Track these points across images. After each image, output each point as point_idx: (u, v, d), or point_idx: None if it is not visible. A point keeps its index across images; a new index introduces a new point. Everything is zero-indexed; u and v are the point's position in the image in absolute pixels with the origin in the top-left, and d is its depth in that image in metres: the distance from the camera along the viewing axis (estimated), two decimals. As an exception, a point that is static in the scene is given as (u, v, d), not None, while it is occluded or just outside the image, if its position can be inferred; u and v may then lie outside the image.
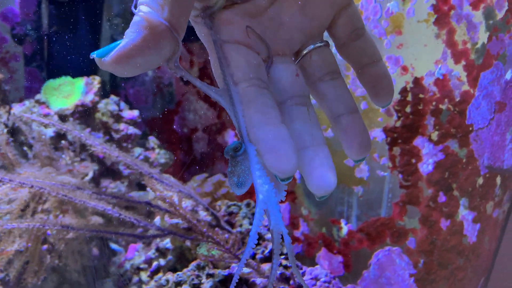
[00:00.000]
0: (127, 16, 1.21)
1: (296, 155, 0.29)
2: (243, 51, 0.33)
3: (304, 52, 0.35)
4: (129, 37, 0.28)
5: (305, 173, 0.31)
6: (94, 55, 0.28)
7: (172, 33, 0.29)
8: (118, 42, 0.28)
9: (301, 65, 0.36)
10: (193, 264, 0.83)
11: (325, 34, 0.37)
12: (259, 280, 0.81)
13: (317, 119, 0.33)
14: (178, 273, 0.81)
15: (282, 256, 0.85)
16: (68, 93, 1.16)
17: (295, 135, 0.32)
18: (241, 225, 0.95)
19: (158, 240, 1.02)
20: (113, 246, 1.15)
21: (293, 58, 0.36)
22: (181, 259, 0.99)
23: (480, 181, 0.84)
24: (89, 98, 1.18)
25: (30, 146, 1.13)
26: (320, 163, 0.31)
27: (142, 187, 1.22)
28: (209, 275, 0.80)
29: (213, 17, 0.33)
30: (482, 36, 0.77)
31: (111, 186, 1.19)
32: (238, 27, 0.33)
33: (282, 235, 0.33)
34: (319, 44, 0.35)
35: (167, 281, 0.82)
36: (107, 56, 0.28)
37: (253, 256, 0.89)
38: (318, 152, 0.31)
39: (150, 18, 0.28)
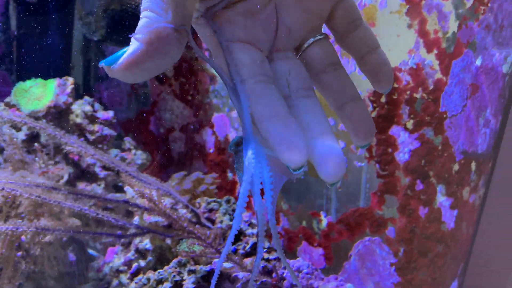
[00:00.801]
0: (99, 14, 1.19)
1: (306, 145, 0.30)
2: (246, 49, 0.34)
3: (305, 46, 0.36)
4: (136, 43, 0.28)
5: (315, 162, 0.32)
6: (102, 63, 0.29)
7: (178, 36, 0.30)
8: (125, 49, 0.29)
9: (303, 59, 0.37)
10: (174, 261, 0.82)
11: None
12: (241, 275, 0.80)
13: (322, 110, 0.35)
14: (159, 270, 0.80)
15: (264, 250, 0.85)
16: (39, 94, 1.14)
17: (303, 126, 0.33)
18: (221, 222, 0.94)
19: (137, 241, 1.00)
20: (91, 251, 1.13)
21: (294, 53, 0.37)
22: (162, 260, 0.98)
23: (456, 167, 0.86)
24: (62, 99, 1.15)
25: (1, 150, 1.10)
26: (329, 151, 0.31)
27: (119, 189, 1.20)
28: (191, 271, 0.79)
29: (217, 17, 0.34)
30: (452, 25, 0.79)
31: (87, 189, 1.16)
32: (240, 26, 0.34)
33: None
34: (318, 37, 0.37)
35: (148, 279, 0.80)
36: (115, 64, 0.28)
37: (234, 252, 0.88)
38: (326, 141, 0.32)
39: (155, 22, 0.29)
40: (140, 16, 0.29)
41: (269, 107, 0.31)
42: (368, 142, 0.36)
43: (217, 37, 0.34)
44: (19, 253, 0.94)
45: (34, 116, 1.13)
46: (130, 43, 0.29)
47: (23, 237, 0.93)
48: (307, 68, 0.36)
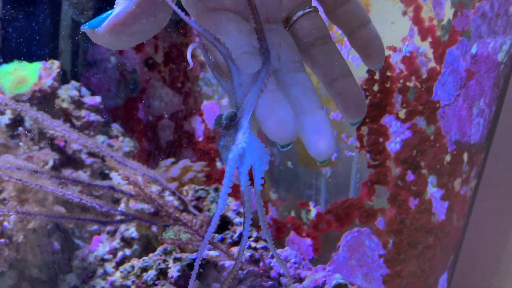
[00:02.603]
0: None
1: (294, 121, 0.29)
2: (232, 19, 0.32)
3: (294, 18, 0.35)
4: (122, 5, 0.27)
5: (305, 138, 0.31)
6: (86, 27, 0.27)
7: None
8: (110, 12, 0.27)
9: (291, 32, 0.35)
10: (159, 249, 0.80)
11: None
12: (228, 263, 0.79)
13: (312, 84, 0.33)
14: (144, 258, 0.78)
15: (251, 239, 0.83)
16: (24, 78, 1.11)
17: (292, 101, 0.31)
18: (209, 210, 0.92)
19: (122, 229, 0.98)
20: (77, 240, 1.11)
21: (283, 25, 0.35)
22: (148, 249, 0.96)
23: (448, 158, 0.85)
24: (48, 83, 1.12)
25: (-16, 135, 1.07)
26: (319, 127, 0.30)
27: (105, 176, 1.18)
28: (176, 259, 0.77)
29: None
30: (448, 13, 0.78)
31: (73, 175, 1.14)
32: None
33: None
34: (308, 10, 0.35)
35: (133, 267, 0.78)
36: (100, 27, 0.27)
37: (222, 240, 0.86)
38: (316, 116, 0.31)
39: None
40: None
41: None
42: (360, 119, 0.35)
43: (202, 4, 0.32)
44: (2, 240, 0.92)
45: (18, 99, 1.10)
46: (115, 5, 0.27)
47: (6, 223, 0.91)
48: (296, 42, 0.35)
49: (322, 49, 0.35)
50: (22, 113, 0.74)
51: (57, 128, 0.75)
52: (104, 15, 0.27)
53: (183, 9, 0.33)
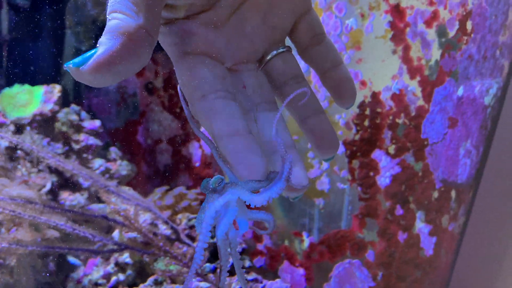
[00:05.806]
0: (88, 25, 1.19)
1: (264, 165, 0.30)
2: (208, 63, 0.33)
3: (268, 58, 0.36)
4: (107, 44, 0.27)
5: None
6: (70, 65, 0.27)
7: (150, 39, 0.29)
8: (94, 51, 0.27)
9: (265, 71, 0.36)
10: (150, 279, 0.81)
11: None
12: (217, 295, 0.79)
13: (285, 124, 0.34)
14: (134, 288, 0.79)
15: (243, 270, 0.84)
16: (25, 101, 1.13)
17: (265, 140, 0.33)
18: (201, 239, 0.93)
19: (117, 254, 0.99)
20: (72, 260, 1.12)
21: (257, 65, 0.36)
22: (141, 274, 0.97)
23: (436, 194, 0.86)
24: (49, 107, 1.14)
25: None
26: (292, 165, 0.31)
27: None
28: (166, 291, 0.78)
29: (179, 27, 0.33)
30: (435, 53, 0.80)
31: (70, 198, 1.15)
32: (202, 38, 0.33)
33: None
34: (281, 50, 0.36)
35: (123, 297, 0.79)
36: (85, 65, 0.26)
37: (213, 270, 0.87)
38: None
39: (127, 24, 0.28)
40: (108, 18, 0.28)
41: (228, 124, 0.31)
42: (332, 156, 0.36)
43: (178, 48, 0.33)
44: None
45: (19, 123, 1.12)
46: (98, 44, 0.27)
47: None
48: (270, 81, 0.36)
49: (295, 88, 0.36)
50: (16, 145, 0.76)
51: (52, 159, 0.77)
52: (88, 54, 0.27)
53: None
